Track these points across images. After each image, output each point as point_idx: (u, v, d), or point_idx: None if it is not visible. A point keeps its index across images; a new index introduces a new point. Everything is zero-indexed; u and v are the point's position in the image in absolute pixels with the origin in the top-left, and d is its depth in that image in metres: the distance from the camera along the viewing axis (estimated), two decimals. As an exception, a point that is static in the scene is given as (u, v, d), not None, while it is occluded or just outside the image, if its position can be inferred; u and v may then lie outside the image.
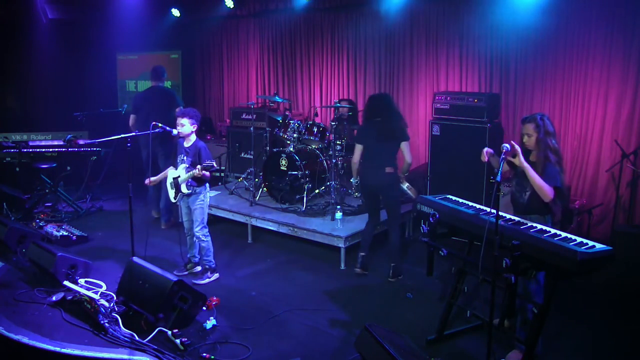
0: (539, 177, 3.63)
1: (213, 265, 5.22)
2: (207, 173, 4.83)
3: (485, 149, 3.86)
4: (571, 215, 5.63)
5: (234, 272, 5.41)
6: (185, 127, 4.95)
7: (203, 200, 5.08)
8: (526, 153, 3.80)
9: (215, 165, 4.74)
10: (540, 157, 3.76)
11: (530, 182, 3.68)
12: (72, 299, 4.51)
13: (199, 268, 5.34)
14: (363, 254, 5.28)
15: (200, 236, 5.11)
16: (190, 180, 4.93)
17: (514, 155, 3.67)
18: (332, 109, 7.63)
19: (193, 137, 5.05)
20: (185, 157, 4.98)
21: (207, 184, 5.14)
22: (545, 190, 3.61)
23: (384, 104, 5.21)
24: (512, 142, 3.64)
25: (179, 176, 4.97)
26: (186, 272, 5.28)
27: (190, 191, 4.96)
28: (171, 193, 5.14)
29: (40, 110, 9.51)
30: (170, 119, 5.68)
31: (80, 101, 8.76)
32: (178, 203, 5.20)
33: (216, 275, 5.22)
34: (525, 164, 3.65)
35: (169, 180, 5.13)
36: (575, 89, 6.05)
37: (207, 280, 5.14)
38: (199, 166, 4.73)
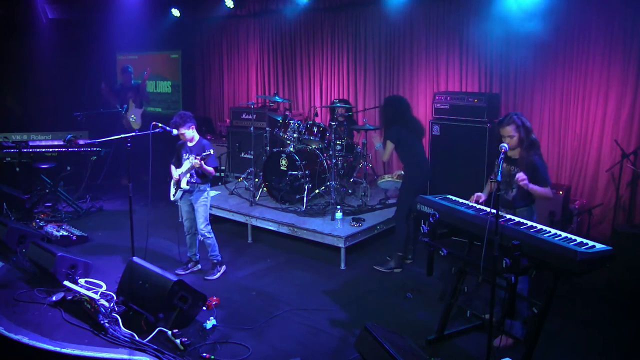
0: (540, 190, 3.75)
1: (220, 259, 5.29)
2: (211, 169, 4.89)
3: (477, 196, 3.94)
4: (571, 215, 5.64)
5: (234, 272, 5.41)
6: (185, 133, 5.00)
7: (207, 198, 5.14)
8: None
9: (212, 152, 4.84)
10: (524, 155, 3.86)
11: (518, 183, 3.76)
12: (72, 299, 4.51)
13: (199, 266, 5.36)
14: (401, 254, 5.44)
15: (205, 233, 5.14)
16: (195, 177, 4.96)
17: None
18: (329, 109, 7.62)
19: (196, 137, 5.12)
20: (189, 155, 5.00)
21: (209, 184, 5.16)
22: (548, 195, 3.82)
23: (407, 105, 5.71)
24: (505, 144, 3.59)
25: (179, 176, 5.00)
26: (188, 271, 5.30)
27: (189, 187, 4.98)
28: (172, 191, 5.15)
29: (40, 110, 9.49)
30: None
31: (80, 101, 8.76)
32: (177, 203, 5.21)
33: (224, 268, 5.30)
34: (531, 186, 3.72)
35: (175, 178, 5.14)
36: (575, 89, 6.05)
37: (218, 275, 5.21)
38: (197, 157, 4.79)
